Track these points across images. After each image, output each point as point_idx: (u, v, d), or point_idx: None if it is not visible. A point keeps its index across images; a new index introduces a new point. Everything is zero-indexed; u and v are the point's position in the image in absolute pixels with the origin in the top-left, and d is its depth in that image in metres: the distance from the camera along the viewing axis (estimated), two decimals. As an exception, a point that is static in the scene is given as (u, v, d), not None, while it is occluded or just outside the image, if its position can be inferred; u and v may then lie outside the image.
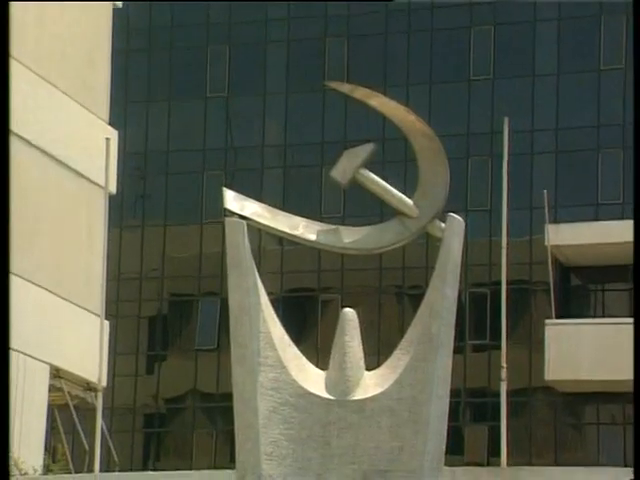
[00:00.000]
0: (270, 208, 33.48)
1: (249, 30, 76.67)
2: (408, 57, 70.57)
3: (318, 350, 28.61)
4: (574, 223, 69.98)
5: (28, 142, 50.72)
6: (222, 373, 35.25)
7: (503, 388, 43.96)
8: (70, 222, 52.66)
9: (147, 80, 65.27)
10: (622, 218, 70.73)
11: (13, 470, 46.35)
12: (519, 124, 49.67)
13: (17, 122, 50.06)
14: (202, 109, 73.65)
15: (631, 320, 71.69)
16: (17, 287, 49.88)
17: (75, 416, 49.57)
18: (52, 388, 50.91)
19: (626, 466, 46.79)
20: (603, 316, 73.64)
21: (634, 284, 22.75)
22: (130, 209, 56.62)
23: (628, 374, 69.44)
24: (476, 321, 49.37)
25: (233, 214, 31.98)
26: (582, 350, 69.84)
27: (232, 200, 31.99)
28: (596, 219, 71.17)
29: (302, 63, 69.24)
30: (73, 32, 53.82)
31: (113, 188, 53.24)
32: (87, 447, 46.72)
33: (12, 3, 50.17)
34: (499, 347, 47.81)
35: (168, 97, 71.22)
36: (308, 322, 40.13)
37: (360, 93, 32.95)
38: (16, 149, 50.23)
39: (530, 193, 60.03)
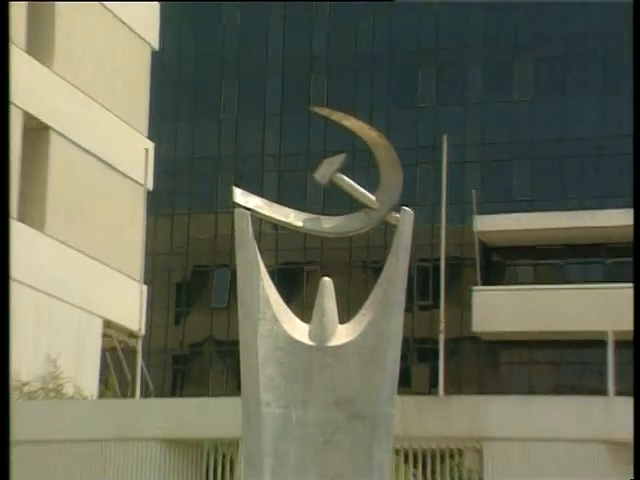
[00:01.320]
0: (268, 202, 33.26)
1: (253, 67, 76.55)
2: (372, 89, 70.47)
3: (303, 309, 28.55)
4: (495, 214, 69.77)
5: (87, 151, 50.37)
6: (231, 325, 35.17)
7: (441, 337, 43.73)
8: (118, 211, 52.35)
9: (176, 105, 65.20)
10: (530, 211, 70.59)
11: (76, 395, 46.39)
12: (455, 140, 49.46)
13: (80, 136, 49.84)
14: (217, 127, 73.47)
15: (535, 287, 71.77)
16: (82, 262, 49.65)
17: (122, 356, 49.39)
18: (105, 335, 50.71)
19: (529, 393, 46.67)
20: (515, 284, 73.47)
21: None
22: (163, 202, 56.45)
23: (532, 327, 69.59)
24: (422, 287, 49.12)
25: (240, 206, 31.72)
26: (499, 309, 69.74)
27: (239, 196, 31.74)
28: (511, 212, 70.95)
29: (293, 93, 69.01)
30: (122, 68, 53.65)
31: (150, 186, 52.99)
32: (130, 379, 46.51)
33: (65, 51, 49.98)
34: (438, 307, 47.63)
35: (192, 118, 71.17)
36: (296, 288, 40.13)
37: (336, 116, 32.69)
38: (77, 157, 50.00)
39: (462, 192, 59.72)
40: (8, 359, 12.10)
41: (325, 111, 33.09)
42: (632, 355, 49.00)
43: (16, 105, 46.79)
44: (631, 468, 37.35)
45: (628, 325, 55.06)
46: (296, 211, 33.91)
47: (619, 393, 38.71)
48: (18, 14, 47.26)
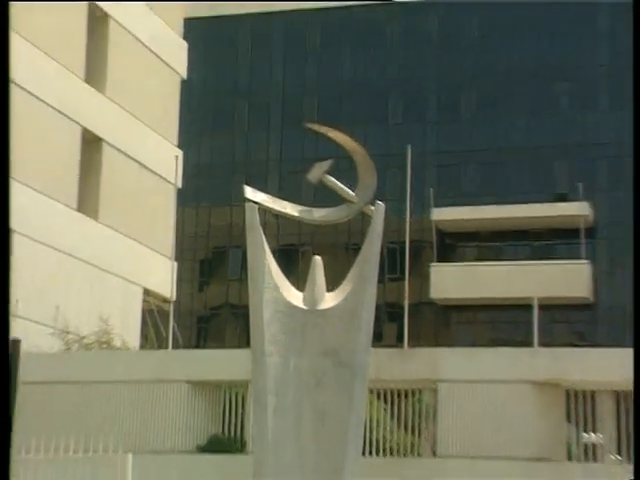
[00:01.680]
0: (271, 197, 33.31)
1: (260, 91, 76.21)
2: (353, 109, 70.21)
3: (299, 281, 28.66)
4: (447, 207, 69.79)
5: (130, 157, 50.44)
6: (243, 293, 35.16)
7: (406, 302, 43.74)
8: (154, 205, 52.29)
9: (200, 121, 65.10)
10: (475, 205, 70.52)
11: (122, 347, 46.61)
12: (417, 149, 49.60)
13: (126, 146, 49.89)
14: (231, 138, 73.25)
15: (478, 263, 71.65)
16: (127, 244, 49.77)
17: (157, 317, 49.40)
18: (144, 301, 50.75)
19: (473, 346, 46.82)
20: (463, 261, 73.44)
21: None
22: (189, 197, 56.14)
23: (475, 294, 69.69)
24: (391, 264, 48.97)
25: (249, 200, 31.76)
26: (450, 281, 69.79)
27: (249, 192, 31.75)
28: (460, 205, 70.87)
29: (291, 111, 68.75)
30: (158, 93, 53.66)
31: (179, 184, 53.01)
32: (164, 334, 46.59)
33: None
34: (404, 279, 47.57)
35: (212, 131, 70.95)
36: (292, 264, 40.08)
37: (324, 129, 32.71)
38: (123, 162, 50.08)
39: (422, 190, 59.64)
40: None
41: (316, 126, 33.16)
42: (552, 315, 49.00)
43: (76, 122, 46.77)
44: (562, 412, 37.62)
45: (548, 292, 55.45)
46: (293, 204, 34.03)
47: (542, 344, 38.71)
48: (78, 49, 47.23)
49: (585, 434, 38.02)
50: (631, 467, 36.52)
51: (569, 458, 37.52)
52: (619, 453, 37.66)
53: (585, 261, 70.48)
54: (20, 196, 43.12)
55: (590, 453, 37.96)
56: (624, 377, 37.25)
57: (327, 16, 77.75)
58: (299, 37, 78.03)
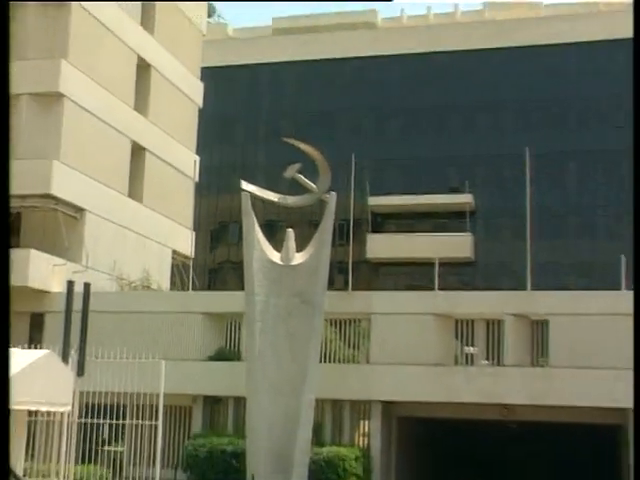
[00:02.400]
0: (259, 188, 33.61)
1: (260, 114, 75.69)
2: (325, 127, 69.55)
3: (277, 245, 28.92)
4: (379, 196, 69.55)
5: (164, 160, 50.37)
6: (240, 253, 35.70)
7: (350, 261, 43.83)
8: (180, 193, 52.28)
9: (213, 133, 64.77)
10: (399, 194, 70.35)
11: (158, 289, 46.77)
12: (358, 157, 49.64)
13: (161, 154, 49.97)
14: (236, 149, 73.03)
15: (400, 235, 71.35)
16: (163, 220, 49.81)
17: (182, 269, 49.36)
18: (173, 258, 50.66)
19: (395, 290, 47.11)
20: (389, 233, 72.89)
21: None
22: (203, 188, 55.88)
23: (398, 255, 69.77)
24: (340, 234, 48.95)
25: (244, 190, 32.08)
26: (381, 246, 69.68)
27: (244, 185, 32.17)
28: (387, 194, 70.61)
29: (279, 130, 68.34)
30: (183, 117, 53.55)
31: (196, 179, 53.14)
32: (186, 281, 46.62)
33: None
34: (349, 244, 47.66)
35: (220, 142, 70.47)
36: (273, 234, 40.37)
37: (296, 142, 33.15)
38: (160, 165, 50.10)
39: (362, 184, 59.54)
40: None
41: (291, 140, 33.51)
42: (446, 269, 49.10)
43: (128, 136, 46.89)
44: (452, 334, 37.87)
45: (445, 254, 55.62)
46: (274, 193, 34.41)
47: (440, 289, 38.81)
48: (130, 86, 47.35)
49: (466, 347, 38.31)
50: (496, 369, 37.09)
51: (456, 363, 37.83)
52: (487, 359, 38.06)
53: (469, 234, 70.59)
54: (89, 187, 43.24)
55: (469, 360, 38.29)
56: (494, 310, 37.70)
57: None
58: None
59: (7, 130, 11.52)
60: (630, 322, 34.70)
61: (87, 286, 22.54)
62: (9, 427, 10.76)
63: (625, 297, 36.39)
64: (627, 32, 68.72)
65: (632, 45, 14.01)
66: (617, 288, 37.71)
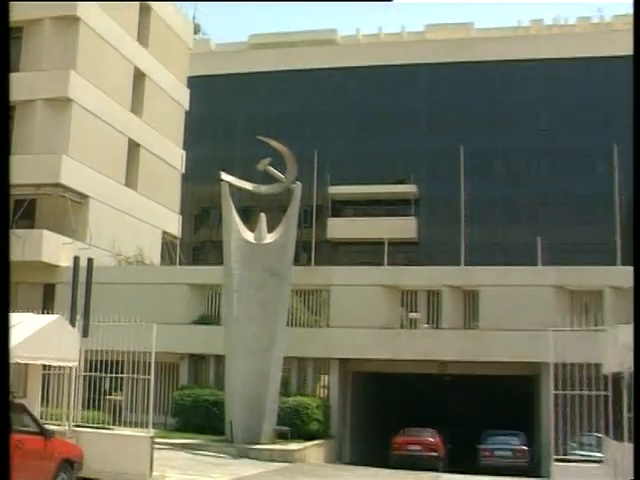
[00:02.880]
0: (236, 178, 33.62)
1: (241, 118, 75.33)
2: (288, 131, 69.12)
3: (251, 227, 29.01)
4: (338, 186, 69.46)
5: (157, 156, 50.29)
6: (219, 234, 35.61)
7: (313, 240, 43.94)
8: (169, 182, 52.20)
9: (198, 132, 64.13)
10: (354, 185, 70.26)
11: (150, 263, 46.72)
12: (321, 154, 49.60)
13: (155, 150, 49.94)
14: (213, 146, 72.68)
15: (356, 218, 71.32)
16: (154, 206, 49.64)
17: (170, 247, 49.15)
18: (163, 237, 50.48)
19: (350, 265, 47.21)
20: (347, 217, 72.57)
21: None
22: (189, 178, 55.43)
23: (354, 235, 69.97)
24: (305, 218, 48.75)
25: (223, 180, 32.11)
26: (340, 227, 69.65)
27: (223, 175, 32.22)
28: (344, 184, 70.40)
29: (256, 131, 67.72)
30: (173, 119, 53.42)
31: (183, 170, 53.03)
32: (174, 257, 46.64)
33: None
34: (312, 227, 47.67)
35: (204, 139, 70.03)
36: (248, 218, 40.09)
37: (268, 140, 33.20)
38: (153, 159, 50.00)
39: (324, 176, 59.39)
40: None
41: (264, 138, 33.50)
42: (395, 248, 49.24)
43: (125, 134, 46.83)
44: (398, 302, 38.05)
45: (393, 235, 55.74)
46: (249, 182, 34.43)
47: (389, 264, 39.05)
48: (127, 92, 47.28)
49: (410, 313, 38.51)
50: (435, 331, 37.37)
51: (401, 327, 38.06)
52: (427, 323, 38.30)
53: (413, 218, 70.76)
54: (92, 177, 43.21)
55: (413, 324, 38.52)
56: (433, 282, 37.98)
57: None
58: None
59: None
60: (544, 291, 35.12)
61: (90, 261, 22.61)
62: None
63: (541, 271, 36.90)
64: (547, 53, 69.49)
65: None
66: (534, 264, 38.17)
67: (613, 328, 18.67)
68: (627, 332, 17.64)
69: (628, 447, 16.32)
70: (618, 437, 16.65)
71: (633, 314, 13.05)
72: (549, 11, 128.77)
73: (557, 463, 17.55)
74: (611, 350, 17.34)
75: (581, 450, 21.59)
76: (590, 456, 19.96)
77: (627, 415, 16.31)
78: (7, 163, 10.32)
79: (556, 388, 17.09)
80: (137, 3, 48.66)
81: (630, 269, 37.79)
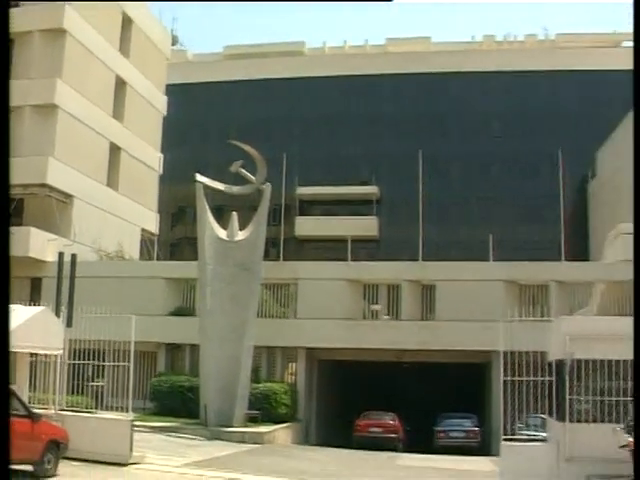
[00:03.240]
0: (210, 180, 33.56)
1: (214, 123, 74.90)
2: (259, 136, 68.59)
3: (224, 225, 29.00)
4: (305, 187, 69.19)
5: (137, 158, 50.20)
6: (194, 232, 35.46)
7: (282, 237, 43.96)
8: (148, 182, 52.16)
9: (174, 136, 63.56)
10: (320, 186, 70.05)
11: (130, 258, 46.50)
12: (289, 157, 49.62)
13: (134, 153, 49.78)
14: (189, 150, 72.19)
15: (320, 217, 71.14)
16: (134, 205, 49.49)
17: (148, 243, 48.86)
18: (142, 234, 50.29)
19: (316, 260, 47.16)
20: (312, 215, 72.23)
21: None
22: (165, 179, 55.01)
23: (320, 233, 69.86)
24: (274, 216, 48.33)
25: (198, 181, 32.09)
26: (306, 226, 69.47)
27: (198, 177, 32.19)
28: (309, 186, 70.13)
29: (223, 135, 67.09)
30: (151, 124, 53.30)
31: (160, 172, 53.01)
32: (151, 253, 46.50)
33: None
34: (281, 224, 47.64)
35: (180, 143, 69.47)
36: (221, 216, 39.65)
37: (240, 144, 33.21)
38: (133, 161, 49.84)
39: (293, 179, 58.95)
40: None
41: (236, 142, 33.48)
42: (358, 245, 49.32)
43: (107, 138, 46.73)
44: (361, 295, 38.17)
45: (357, 233, 55.81)
46: (221, 183, 34.34)
47: (353, 260, 39.18)
48: (109, 99, 47.09)
49: (372, 305, 38.70)
50: (395, 322, 37.54)
51: (363, 318, 38.23)
52: (388, 315, 38.50)
53: (375, 217, 70.89)
54: (76, 178, 43.12)
55: (374, 315, 38.72)
56: (393, 277, 38.12)
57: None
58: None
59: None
60: (496, 285, 35.37)
61: (74, 256, 22.59)
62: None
63: (492, 267, 37.21)
64: (498, 66, 69.82)
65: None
66: (487, 260, 38.47)
67: (557, 319, 18.93)
68: (569, 323, 17.92)
69: (569, 426, 16.61)
70: (560, 418, 16.90)
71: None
72: (500, 28, 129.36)
73: (506, 442, 17.76)
74: (555, 339, 17.58)
75: (528, 430, 21.86)
76: (535, 435, 20.23)
77: (568, 398, 16.57)
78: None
79: (505, 374, 17.30)
80: (119, 16, 48.56)
81: (574, 264, 38.39)
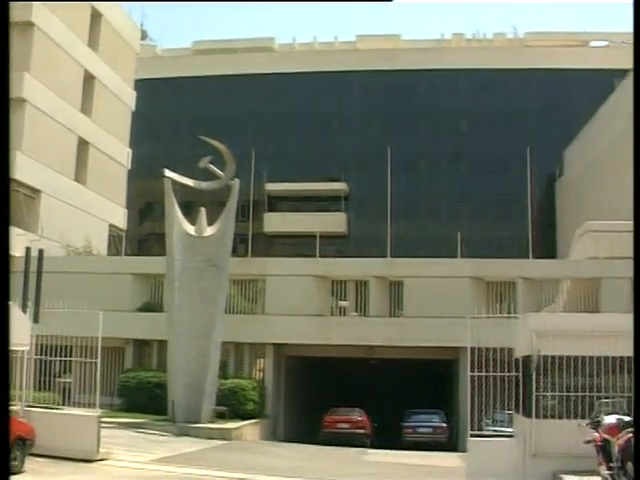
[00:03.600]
0: (178, 175, 33.40)
1: (184, 118, 74.68)
2: (227, 132, 68.20)
3: (193, 221, 28.91)
4: (274, 183, 69.15)
5: (105, 153, 49.89)
6: (162, 227, 35.25)
7: (250, 233, 43.87)
8: (115, 178, 52.07)
9: (143, 131, 63.15)
10: (287, 182, 70.02)
11: (98, 254, 46.25)
12: (256, 153, 49.35)
13: (104, 149, 49.63)
14: (162, 145, 71.80)
15: (289, 214, 71.06)
16: (102, 200, 49.24)
17: (116, 239, 48.66)
18: (109, 230, 50.14)
19: (285, 257, 47.14)
20: (281, 212, 72.18)
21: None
22: (133, 174, 54.75)
23: (287, 229, 70.16)
24: (242, 212, 48.16)
25: (166, 177, 31.93)
26: (275, 222, 69.44)
27: (166, 172, 31.99)
28: (278, 182, 70.14)
29: (192, 130, 66.74)
30: (121, 119, 53.08)
31: (129, 167, 52.82)
32: (119, 248, 46.23)
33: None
34: (249, 220, 47.50)
35: (148, 138, 69.05)
36: (189, 212, 39.40)
37: (209, 140, 33.08)
38: (103, 157, 49.63)
39: (261, 175, 58.94)
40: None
41: (205, 138, 33.36)
42: (326, 240, 49.29)
43: (76, 133, 46.46)
44: (329, 291, 38.19)
45: (325, 229, 55.67)
46: (191, 179, 34.15)
47: (320, 256, 39.24)
48: (78, 94, 46.81)
49: (340, 302, 38.75)
50: (362, 318, 37.60)
51: (331, 314, 38.28)
52: (356, 311, 38.58)
53: (343, 213, 71.00)
54: (44, 173, 42.82)
55: (342, 311, 38.77)
56: (361, 273, 38.21)
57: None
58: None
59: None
60: (463, 282, 35.51)
61: (41, 252, 22.45)
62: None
63: (460, 264, 37.36)
64: (467, 64, 70.27)
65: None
66: (454, 257, 38.62)
67: (524, 316, 19.05)
68: (536, 319, 18.04)
69: (535, 422, 16.74)
70: (527, 414, 17.01)
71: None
72: (469, 26, 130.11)
73: (473, 438, 17.84)
74: (521, 336, 17.70)
75: (494, 426, 22.01)
76: (502, 431, 20.36)
77: (534, 394, 16.70)
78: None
79: (472, 370, 17.38)
80: (88, 10, 48.29)
81: (541, 261, 38.65)
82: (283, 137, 73.77)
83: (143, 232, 71.43)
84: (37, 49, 42.52)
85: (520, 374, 17.34)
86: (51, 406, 21.79)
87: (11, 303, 19.90)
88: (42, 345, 20.66)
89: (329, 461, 26.17)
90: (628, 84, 48.63)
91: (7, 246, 10.03)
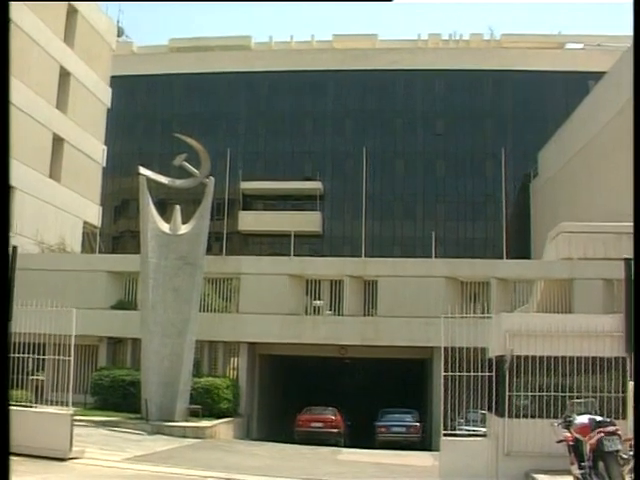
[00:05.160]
0: (153, 173, 33.25)
1: (157, 114, 74.55)
2: (203, 130, 68.34)
3: (167, 219, 28.77)
4: (249, 181, 69.21)
5: (80, 150, 49.78)
6: (137, 225, 35.22)
7: (224, 231, 43.75)
8: (90, 175, 51.82)
9: (118, 128, 63.11)
10: (263, 181, 70.06)
11: (72, 251, 45.98)
12: (232, 152, 49.33)
13: (79, 145, 49.38)
14: (132, 142, 71.67)
15: (267, 212, 71.11)
16: (76, 197, 49.05)
17: (91, 236, 48.58)
18: (84, 227, 49.93)
19: (260, 255, 47.08)
20: (257, 210, 72.30)
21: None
22: (108, 171, 54.67)
23: (262, 228, 70.01)
24: (217, 211, 48.31)
25: (141, 174, 31.77)
26: (251, 221, 69.50)
27: (142, 170, 31.82)
28: (255, 181, 70.25)
29: (167, 128, 66.75)
30: (96, 116, 52.88)
31: (103, 164, 52.58)
32: (93, 246, 46.10)
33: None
34: (224, 219, 47.49)
35: (123, 135, 68.97)
36: (164, 210, 39.28)
37: (185, 137, 32.96)
38: (78, 154, 49.45)
39: (237, 175, 59.21)
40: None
41: (181, 136, 33.24)
42: (301, 240, 49.35)
43: (50, 129, 46.13)
44: (303, 291, 38.17)
45: (301, 228, 55.78)
46: (166, 177, 34.01)
47: (295, 255, 39.21)
48: (53, 90, 46.58)
49: (314, 301, 38.76)
50: (337, 318, 37.63)
51: (306, 313, 38.28)
52: (330, 310, 38.62)
53: (319, 213, 71.05)
54: (18, 169, 42.46)
55: (316, 311, 38.81)
56: (336, 272, 38.23)
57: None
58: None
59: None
60: (437, 282, 35.61)
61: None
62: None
63: (434, 263, 37.49)
64: (444, 64, 70.52)
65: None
66: (429, 256, 38.78)
67: (497, 316, 19.11)
68: (509, 319, 18.12)
69: (508, 422, 16.83)
70: (500, 413, 17.10)
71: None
72: (446, 27, 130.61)
73: (446, 437, 17.90)
74: (495, 335, 17.76)
75: (467, 425, 22.06)
76: (475, 431, 20.43)
77: (507, 393, 16.78)
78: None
79: (446, 370, 17.42)
80: (65, 6, 48.05)
81: (515, 262, 38.84)
82: (258, 136, 73.83)
83: (118, 230, 71.21)
84: (12, 44, 42.14)
85: (493, 374, 17.41)
86: (24, 404, 21.67)
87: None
88: (15, 342, 20.54)
89: (304, 460, 26.16)
90: (603, 86, 48.99)
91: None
